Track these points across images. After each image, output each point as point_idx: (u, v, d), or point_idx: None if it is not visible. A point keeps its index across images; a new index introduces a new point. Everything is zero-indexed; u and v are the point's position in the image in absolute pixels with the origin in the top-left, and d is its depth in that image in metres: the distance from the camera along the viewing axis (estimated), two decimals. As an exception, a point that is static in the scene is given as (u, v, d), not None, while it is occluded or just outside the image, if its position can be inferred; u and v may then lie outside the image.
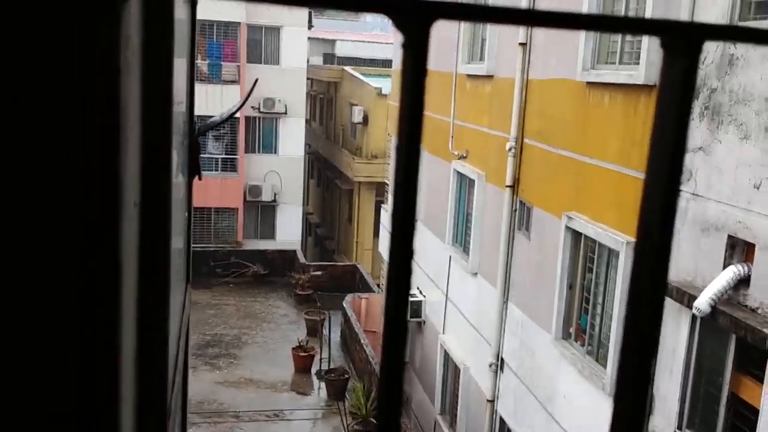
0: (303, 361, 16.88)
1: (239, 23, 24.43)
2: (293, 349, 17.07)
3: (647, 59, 7.20)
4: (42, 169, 0.40)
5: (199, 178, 1.66)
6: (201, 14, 24.01)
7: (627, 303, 0.43)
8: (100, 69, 0.39)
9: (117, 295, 0.43)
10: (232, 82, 24.48)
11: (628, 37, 7.94)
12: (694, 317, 6.25)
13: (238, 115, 24.22)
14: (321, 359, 16.65)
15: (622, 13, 7.94)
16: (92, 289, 0.42)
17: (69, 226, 0.41)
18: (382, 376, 0.41)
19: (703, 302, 5.84)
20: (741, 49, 6.04)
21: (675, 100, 0.36)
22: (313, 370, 16.85)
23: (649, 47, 7.19)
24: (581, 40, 8.41)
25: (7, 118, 0.40)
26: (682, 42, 0.35)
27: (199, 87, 24.80)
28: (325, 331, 17.30)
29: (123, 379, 0.51)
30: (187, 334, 1.61)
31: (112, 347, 0.45)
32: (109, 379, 0.46)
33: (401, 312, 0.39)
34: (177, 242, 1.35)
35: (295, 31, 25.46)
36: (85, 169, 0.40)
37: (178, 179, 1.33)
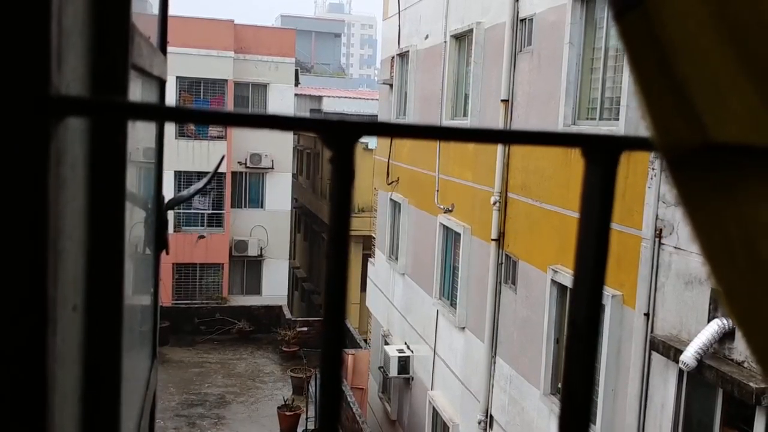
0: (289, 421, 16.52)
1: (226, 80, 24.77)
2: (279, 408, 16.73)
3: (626, 115, 7.34)
4: None
5: (167, 253, 1.66)
6: (188, 72, 24.35)
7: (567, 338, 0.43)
8: (24, 188, 0.39)
9: (43, 418, 0.42)
10: (219, 137, 24.67)
11: (608, 93, 8.12)
12: (681, 372, 6.22)
13: (224, 170, 24.34)
14: (307, 418, 16.32)
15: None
16: (17, 411, 0.41)
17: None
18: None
19: (689, 356, 5.81)
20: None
21: (596, 207, 0.37)
22: (300, 430, 16.48)
23: (628, 103, 7.34)
24: (562, 96, 8.58)
25: None
26: (601, 153, 0.36)
27: (186, 143, 24.97)
28: (312, 389, 17.00)
29: None
30: (152, 411, 1.57)
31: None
32: None
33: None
34: (142, 318, 1.33)
35: (282, 88, 25.82)
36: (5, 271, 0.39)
37: (144, 254, 1.33)
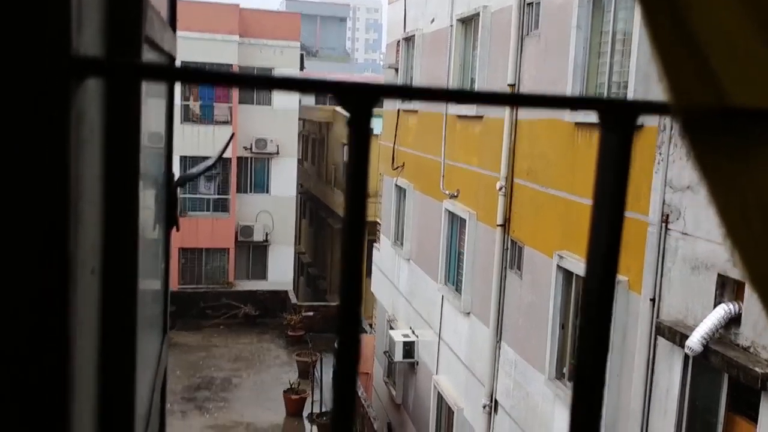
0: (295, 404, 16.63)
1: (231, 65, 24.71)
2: (285, 391, 16.84)
3: (634, 99, 7.30)
4: None
5: (177, 229, 1.66)
6: (193, 56, 24.29)
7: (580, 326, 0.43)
8: (47, 145, 0.40)
9: (66, 382, 0.42)
10: (224, 122, 24.66)
11: (615, 78, 8.07)
12: (686, 357, 6.22)
13: (230, 155, 24.35)
14: (313, 402, 16.43)
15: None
16: (38, 375, 0.41)
17: (15, 299, 0.41)
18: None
19: (695, 341, 5.82)
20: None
21: (612, 173, 0.37)
22: (305, 413, 16.60)
23: (636, 87, 7.29)
24: (569, 80, 8.54)
25: None
26: (617, 117, 0.36)
27: (191, 128, 24.99)
28: (317, 373, 17.10)
29: None
30: (164, 387, 1.58)
31: None
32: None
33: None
34: (154, 294, 1.34)
35: (287, 73, 25.74)
36: (27, 235, 0.40)
37: (155, 230, 1.33)
